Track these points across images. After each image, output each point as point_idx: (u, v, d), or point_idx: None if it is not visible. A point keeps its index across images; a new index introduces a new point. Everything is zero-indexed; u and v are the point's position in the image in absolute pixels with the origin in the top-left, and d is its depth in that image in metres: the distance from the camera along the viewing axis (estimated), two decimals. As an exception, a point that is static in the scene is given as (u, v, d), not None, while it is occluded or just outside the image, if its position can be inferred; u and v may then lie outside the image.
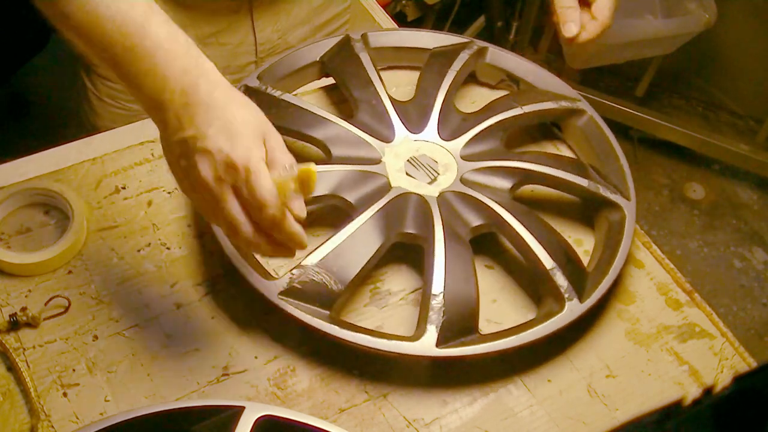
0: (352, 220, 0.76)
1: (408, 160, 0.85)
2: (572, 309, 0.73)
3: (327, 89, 0.98)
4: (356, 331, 0.70)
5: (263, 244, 0.63)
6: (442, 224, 0.76)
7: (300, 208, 0.62)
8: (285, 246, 0.64)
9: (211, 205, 0.63)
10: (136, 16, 0.65)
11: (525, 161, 0.84)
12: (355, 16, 1.15)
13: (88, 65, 1.05)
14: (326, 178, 0.81)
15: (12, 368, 0.70)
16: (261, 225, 0.62)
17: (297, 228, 0.62)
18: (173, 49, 0.65)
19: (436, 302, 0.71)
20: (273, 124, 0.87)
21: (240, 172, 0.60)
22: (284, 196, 0.61)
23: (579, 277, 0.76)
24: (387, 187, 0.81)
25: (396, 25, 1.09)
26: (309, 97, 0.97)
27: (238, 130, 0.62)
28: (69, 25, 0.64)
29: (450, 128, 0.88)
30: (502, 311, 0.79)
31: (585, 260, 0.82)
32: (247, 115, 0.64)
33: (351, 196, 0.80)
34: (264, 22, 1.03)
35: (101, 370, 0.71)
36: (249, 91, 0.87)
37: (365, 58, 0.92)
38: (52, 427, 0.67)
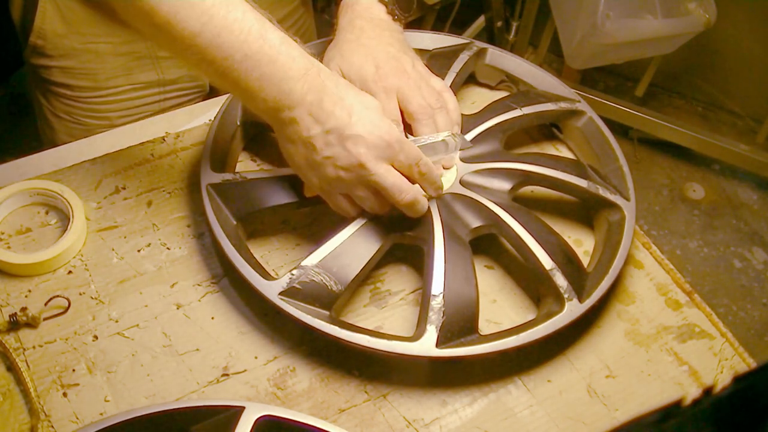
0: (352, 220, 0.76)
1: None
2: (572, 309, 0.73)
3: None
4: (356, 332, 0.70)
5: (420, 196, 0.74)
6: (442, 225, 0.76)
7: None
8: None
9: (360, 189, 0.72)
10: (252, 23, 0.66)
11: (524, 163, 0.84)
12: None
13: (43, 84, 1.04)
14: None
15: (12, 368, 0.70)
16: (416, 180, 0.74)
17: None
18: (292, 53, 0.68)
19: (436, 302, 0.71)
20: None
21: (394, 146, 0.70)
22: None
23: (579, 278, 0.76)
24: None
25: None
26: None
27: (375, 113, 0.70)
28: (185, 45, 0.65)
29: (450, 129, 0.88)
30: (502, 311, 0.79)
31: (585, 260, 0.82)
32: (370, 98, 0.72)
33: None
34: None
35: (101, 370, 0.71)
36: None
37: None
38: (52, 427, 0.67)
